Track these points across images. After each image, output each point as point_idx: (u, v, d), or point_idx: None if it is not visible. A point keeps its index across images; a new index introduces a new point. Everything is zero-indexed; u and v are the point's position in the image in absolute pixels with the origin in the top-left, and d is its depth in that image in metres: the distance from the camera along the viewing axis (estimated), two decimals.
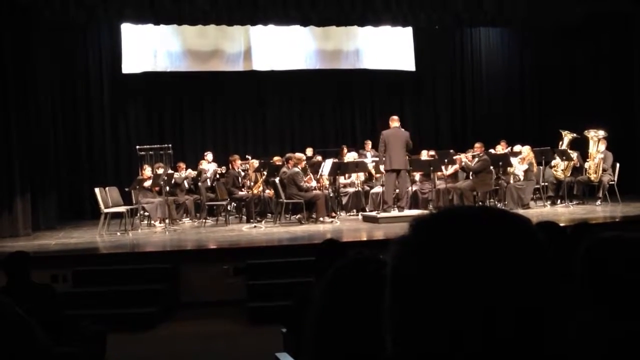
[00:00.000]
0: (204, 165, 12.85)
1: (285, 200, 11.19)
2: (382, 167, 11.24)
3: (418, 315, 0.76)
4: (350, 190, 12.59)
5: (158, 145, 13.62)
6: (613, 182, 12.04)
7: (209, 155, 13.05)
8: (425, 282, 0.75)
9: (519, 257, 0.76)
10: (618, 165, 12.20)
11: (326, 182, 12.18)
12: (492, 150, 12.53)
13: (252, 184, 12.12)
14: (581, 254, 1.92)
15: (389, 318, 0.80)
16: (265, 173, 11.87)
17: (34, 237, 10.65)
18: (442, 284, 0.74)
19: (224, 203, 11.96)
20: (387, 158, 10.91)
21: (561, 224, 5.23)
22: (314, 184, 11.61)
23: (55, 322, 4.22)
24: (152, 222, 11.69)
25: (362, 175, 12.67)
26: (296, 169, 11.22)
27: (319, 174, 12.03)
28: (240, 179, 12.14)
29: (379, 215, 10.77)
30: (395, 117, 11.18)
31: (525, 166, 11.88)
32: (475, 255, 0.74)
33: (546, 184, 12.60)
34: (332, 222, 11.15)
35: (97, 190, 11.08)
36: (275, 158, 12.47)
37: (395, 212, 10.76)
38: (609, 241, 1.91)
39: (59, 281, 7.76)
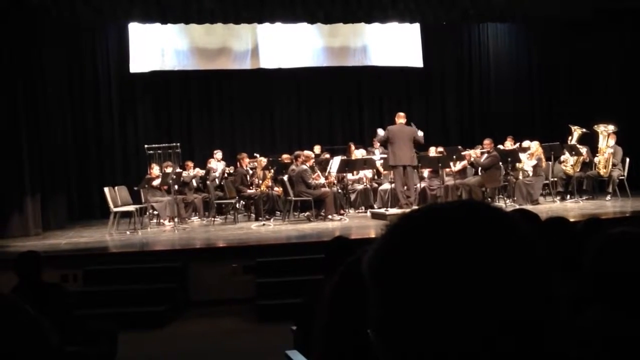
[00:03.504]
0: (212, 163, 12.87)
1: (293, 198, 11.20)
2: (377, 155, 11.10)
3: (393, 319, 0.73)
4: (359, 187, 12.58)
5: (166, 144, 13.65)
6: (623, 177, 11.98)
7: (219, 154, 13.08)
8: (399, 287, 0.73)
9: (499, 253, 0.72)
10: (628, 160, 12.14)
11: (334, 180, 12.18)
12: (500, 147, 12.49)
13: (260, 181, 12.13)
14: (591, 250, 1.90)
15: (370, 320, 0.78)
16: (273, 171, 11.88)
17: (44, 237, 10.70)
18: (417, 288, 0.71)
19: (233, 201, 11.98)
20: (390, 154, 10.89)
21: (571, 220, 5.20)
22: (322, 181, 11.61)
23: (66, 321, 4.24)
24: (161, 220, 11.71)
25: (370, 172, 12.66)
26: (304, 167, 11.21)
27: (327, 171, 12.02)
28: (248, 177, 12.16)
29: (387, 212, 10.76)
30: (402, 114, 11.10)
31: (534, 162, 11.82)
32: (451, 256, 0.71)
33: (555, 179, 12.53)
34: (340, 219, 11.14)
35: (106, 189, 11.14)
36: (284, 156, 12.48)
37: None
38: (618, 238, 1.89)
39: (69, 281, 7.80)
